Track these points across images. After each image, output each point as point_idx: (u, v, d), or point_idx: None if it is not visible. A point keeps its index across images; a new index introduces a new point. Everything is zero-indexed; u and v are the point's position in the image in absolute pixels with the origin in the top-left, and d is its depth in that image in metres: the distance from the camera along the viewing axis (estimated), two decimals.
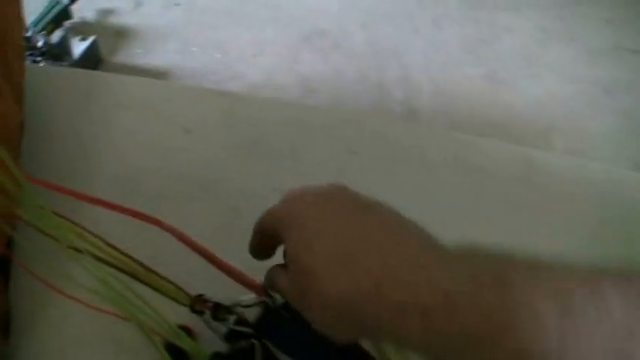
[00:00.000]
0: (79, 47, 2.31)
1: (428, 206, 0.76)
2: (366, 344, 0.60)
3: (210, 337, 0.63)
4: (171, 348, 0.62)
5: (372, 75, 2.48)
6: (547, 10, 2.93)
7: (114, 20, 2.62)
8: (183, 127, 0.83)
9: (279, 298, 0.63)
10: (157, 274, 0.60)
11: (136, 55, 2.49)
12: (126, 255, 0.59)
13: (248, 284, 0.62)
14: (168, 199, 0.75)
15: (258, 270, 0.63)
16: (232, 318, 0.63)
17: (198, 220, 0.73)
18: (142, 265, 0.60)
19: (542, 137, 2.34)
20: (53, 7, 2.34)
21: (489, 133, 2.24)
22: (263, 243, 0.58)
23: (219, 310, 0.62)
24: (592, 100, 2.76)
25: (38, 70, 0.93)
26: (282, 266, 0.53)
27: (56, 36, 2.23)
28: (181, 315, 0.62)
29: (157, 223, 0.58)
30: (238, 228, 0.72)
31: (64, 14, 2.39)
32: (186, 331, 0.63)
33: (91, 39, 2.35)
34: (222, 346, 0.63)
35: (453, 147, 0.88)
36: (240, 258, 0.63)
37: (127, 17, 2.60)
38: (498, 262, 0.40)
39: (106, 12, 2.67)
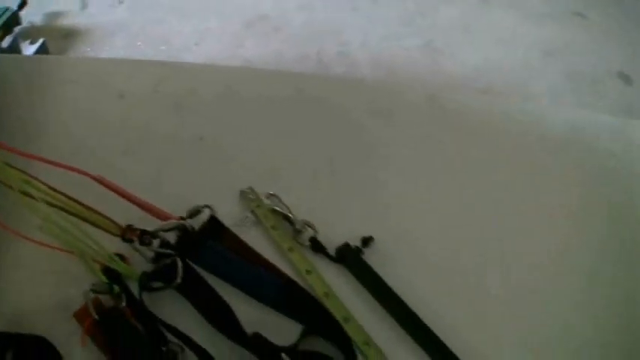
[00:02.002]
0: (28, 50, 2.39)
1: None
2: None
3: (141, 262, 0.74)
4: (108, 272, 0.71)
5: (311, 54, 2.56)
6: None
7: (62, 22, 2.69)
8: (118, 93, 0.95)
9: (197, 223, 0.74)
10: (93, 209, 0.71)
11: (85, 53, 2.57)
12: (66, 196, 0.70)
13: (168, 218, 0.74)
14: (107, 153, 0.86)
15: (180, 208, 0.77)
16: (156, 242, 0.74)
17: (134, 167, 0.85)
18: (80, 203, 0.70)
19: None
20: (2, 13, 2.41)
21: None
22: None
23: (144, 236, 0.72)
24: (532, 62, 2.84)
25: None
26: None
27: (6, 42, 2.31)
28: (118, 248, 0.73)
29: (84, 173, 0.70)
30: (168, 172, 0.85)
31: (14, 20, 2.46)
32: (121, 257, 0.73)
33: (40, 41, 2.43)
34: (151, 268, 0.74)
35: (369, 94, 1.05)
36: (168, 197, 0.76)
37: (74, 19, 2.66)
38: None
39: (54, 15, 2.73)
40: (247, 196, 0.83)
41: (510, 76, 2.66)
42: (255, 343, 0.69)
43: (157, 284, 0.72)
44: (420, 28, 2.84)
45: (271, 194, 0.83)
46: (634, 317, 0.78)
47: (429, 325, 0.74)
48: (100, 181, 0.71)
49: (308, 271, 0.77)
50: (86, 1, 2.69)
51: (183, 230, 0.75)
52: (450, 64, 2.66)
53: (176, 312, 0.71)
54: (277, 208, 0.82)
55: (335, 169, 0.90)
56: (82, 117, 0.92)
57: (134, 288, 0.71)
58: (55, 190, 0.70)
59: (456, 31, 2.91)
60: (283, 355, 0.67)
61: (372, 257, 0.80)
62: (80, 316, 0.69)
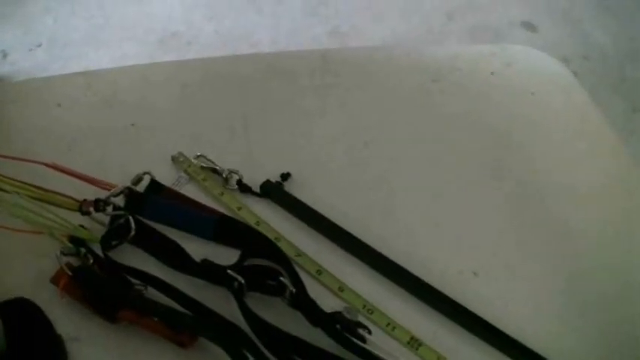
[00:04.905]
0: None
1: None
2: None
3: (99, 230, 0.87)
4: (74, 240, 0.84)
5: None
6: None
7: None
8: (56, 103, 1.10)
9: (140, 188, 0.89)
10: (52, 191, 0.84)
11: None
12: (28, 184, 0.84)
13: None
14: (53, 151, 0.97)
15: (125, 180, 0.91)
16: (109, 208, 0.87)
17: (79, 157, 0.96)
18: (40, 188, 0.84)
19: None
20: None
21: None
22: None
23: (99, 203, 0.85)
24: (436, 27, 2.97)
25: None
26: None
27: None
28: (79, 222, 0.87)
29: (39, 162, 0.85)
30: (109, 155, 1.00)
31: None
32: (82, 227, 0.87)
33: None
34: None
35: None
36: (113, 174, 0.91)
37: None
38: None
39: None
40: (178, 159, 0.98)
41: (417, 43, 2.77)
42: (205, 268, 0.82)
43: (115, 242, 0.85)
44: (324, 17, 2.95)
45: (198, 155, 0.98)
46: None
47: (349, 230, 0.89)
48: (54, 167, 0.85)
49: (239, 208, 0.92)
50: (6, 51, 2.77)
51: (129, 193, 0.89)
52: (358, 43, 2.77)
53: (135, 262, 0.83)
54: (205, 165, 0.97)
55: (247, 125, 1.07)
56: (27, 127, 1.06)
57: (97, 250, 0.83)
58: (17, 180, 0.83)
59: (359, 12, 3.02)
60: (229, 271, 0.79)
61: (291, 189, 0.95)
62: (56, 278, 0.79)
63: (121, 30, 2.90)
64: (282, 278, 0.79)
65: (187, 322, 0.76)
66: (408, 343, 0.78)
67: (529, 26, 3.06)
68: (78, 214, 0.86)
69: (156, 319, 0.75)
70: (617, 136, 1.08)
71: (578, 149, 1.05)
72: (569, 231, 0.92)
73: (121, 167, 0.94)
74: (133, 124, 1.04)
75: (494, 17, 3.12)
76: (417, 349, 0.78)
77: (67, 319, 0.78)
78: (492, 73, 1.18)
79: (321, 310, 0.77)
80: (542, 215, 0.95)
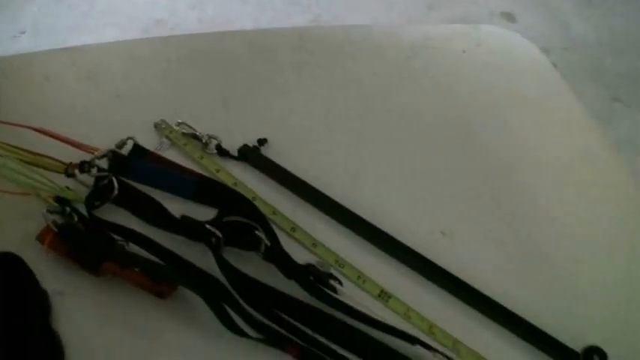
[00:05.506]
0: None
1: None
2: None
3: (84, 192, 0.90)
4: (60, 200, 0.87)
5: None
6: None
7: None
8: (43, 77, 1.13)
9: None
10: (39, 154, 0.88)
11: None
12: (16, 147, 0.87)
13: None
14: (39, 122, 0.99)
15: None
16: (94, 170, 0.90)
17: (66, 126, 0.96)
18: (28, 150, 0.87)
19: None
20: None
21: None
22: None
23: (84, 165, 0.89)
24: (417, 17, 3.01)
25: None
26: None
27: None
28: (64, 184, 0.89)
29: (27, 127, 0.89)
30: (95, 124, 1.04)
31: None
32: (69, 189, 0.90)
33: None
34: None
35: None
36: (98, 140, 0.94)
37: None
38: None
39: None
40: (161, 126, 1.02)
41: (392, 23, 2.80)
42: (184, 223, 0.86)
43: (98, 203, 0.88)
44: (306, 6, 2.98)
45: (180, 122, 1.02)
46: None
47: (320, 189, 0.94)
48: (41, 131, 0.89)
49: (217, 170, 0.96)
50: None
51: (114, 157, 0.92)
52: None
53: (118, 220, 0.86)
54: (186, 131, 1.01)
55: (227, 97, 1.11)
56: (15, 99, 1.09)
57: (82, 210, 0.86)
58: (5, 143, 0.87)
59: (340, 1, 3.06)
60: (207, 225, 0.83)
61: (267, 154, 1.00)
62: (41, 236, 0.83)
63: (105, 17, 2.92)
64: (257, 232, 0.83)
65: (166, 272, 0.80)
66: (379, 295, 0.83)
67: (509, 17, 3.10)
68: (64, 176, 0.89)
69: (137, 269, 0.78)
70: (584, 107, 1.12)
71: (546, 121, 1.12)
72: (534, 198, 0.99)
73: (105, 134, 0.97)
74: (117, 96, 1.08)
75: (474, 8, 3.16)
76: (386, 301, 0.82)
77: (51, 276, 0.81)
78: (464, 51, 1.22)
79: (295, 263, 0.81)
80: (508, 182, 1.01)
